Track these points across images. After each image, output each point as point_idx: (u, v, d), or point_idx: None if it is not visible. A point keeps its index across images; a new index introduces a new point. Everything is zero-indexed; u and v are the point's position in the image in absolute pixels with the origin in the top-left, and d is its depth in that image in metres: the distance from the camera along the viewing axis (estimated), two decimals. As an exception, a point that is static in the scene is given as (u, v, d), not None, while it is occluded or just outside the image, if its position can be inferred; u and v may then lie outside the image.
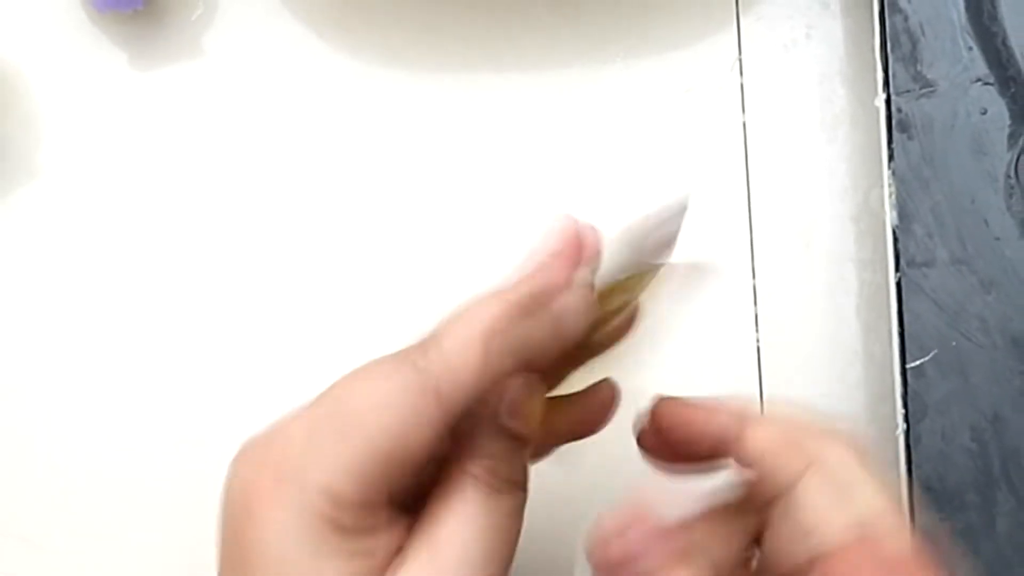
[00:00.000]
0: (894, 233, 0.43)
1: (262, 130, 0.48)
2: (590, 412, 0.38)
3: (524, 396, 0.34)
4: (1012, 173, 0.43)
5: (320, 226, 0.47)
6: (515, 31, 0.48)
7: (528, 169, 0.47)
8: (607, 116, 0.47)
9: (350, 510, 0.32)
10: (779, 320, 0.46)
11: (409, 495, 0.34)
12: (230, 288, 0.47)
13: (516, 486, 0.35)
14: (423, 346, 0.34)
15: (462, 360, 0.33)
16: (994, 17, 0.44)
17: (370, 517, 0.32)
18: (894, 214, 0.43)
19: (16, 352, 0.47)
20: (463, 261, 0.47)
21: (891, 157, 0.43)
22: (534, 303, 0.34)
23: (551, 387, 0.37)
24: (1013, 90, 0.43)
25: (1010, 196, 0.43)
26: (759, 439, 0.35)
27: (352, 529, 0.32)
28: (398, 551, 0.33)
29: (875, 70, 0.44)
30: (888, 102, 0.44)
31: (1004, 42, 0.44)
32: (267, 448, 0.34)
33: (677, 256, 0.46)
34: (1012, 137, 0.43)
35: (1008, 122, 0.43)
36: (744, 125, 0.47)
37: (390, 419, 0.33)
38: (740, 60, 0.48)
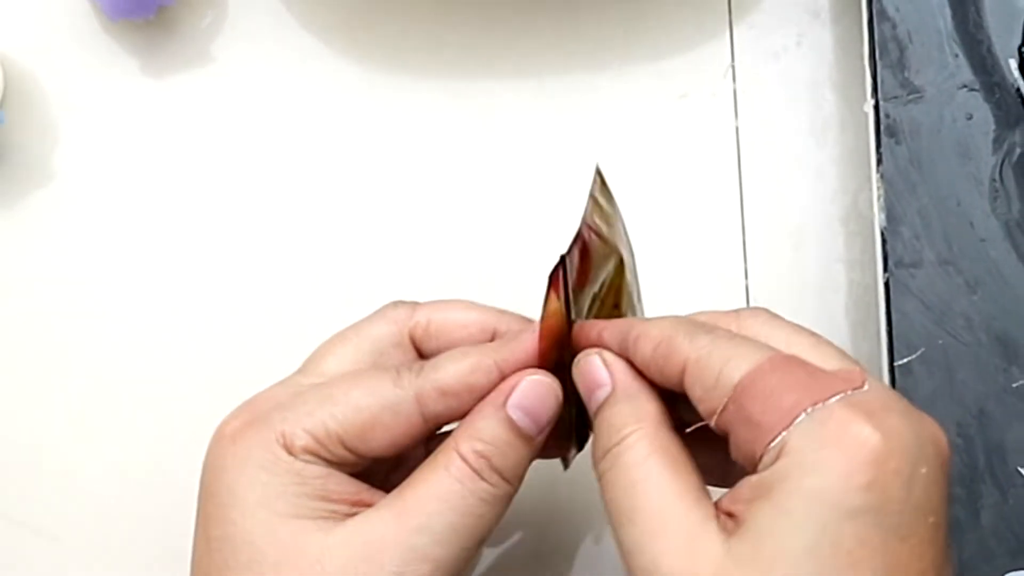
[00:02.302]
0: (882, 235, 0.43)
1: (270, 135, 0.48)
2: None
3: (540, 396, 0.34)
4: (997, 176, 0.43)
5: (327, 231, 0.48)
6: (514, 40, 0.49)
7: (527, 173, 0.48)
8: (603, 122, 0.48)
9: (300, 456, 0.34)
10: (771, 319, 0.47)
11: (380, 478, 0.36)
12: (239, 290, 0.47)
13: (503, 478, 0.34)
14: (417, 367, 0.35)
15: (451, 382, 0.34)
16: (979, 25, 0.44)
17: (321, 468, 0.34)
18: (882, 216, 0.43)
19: (29, 349, 0.47)
20: (465, 265, 0.47)
21: (879, 161, 0.43)
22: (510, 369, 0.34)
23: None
24: (998, 96, 0.44)
25: (995, 199, 0.43)
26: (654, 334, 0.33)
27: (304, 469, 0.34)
28: (363, 505, 0.34)
29: (864, 77, 0.44)
30: (876, 108, 0.44)
31: (989, 49, 0.44)
32: (250, 403, 0.36)
33: (674, 258, 0.47)
34: (997, 142, 0.43)
35: (993, 127, 0.44)
36: (737, 130, 0.48)
37: (370, 401, 0.34)
38: (733, 67, 0.48)
